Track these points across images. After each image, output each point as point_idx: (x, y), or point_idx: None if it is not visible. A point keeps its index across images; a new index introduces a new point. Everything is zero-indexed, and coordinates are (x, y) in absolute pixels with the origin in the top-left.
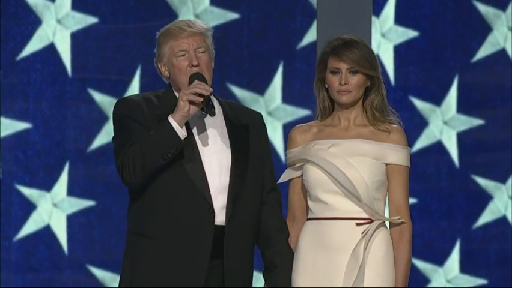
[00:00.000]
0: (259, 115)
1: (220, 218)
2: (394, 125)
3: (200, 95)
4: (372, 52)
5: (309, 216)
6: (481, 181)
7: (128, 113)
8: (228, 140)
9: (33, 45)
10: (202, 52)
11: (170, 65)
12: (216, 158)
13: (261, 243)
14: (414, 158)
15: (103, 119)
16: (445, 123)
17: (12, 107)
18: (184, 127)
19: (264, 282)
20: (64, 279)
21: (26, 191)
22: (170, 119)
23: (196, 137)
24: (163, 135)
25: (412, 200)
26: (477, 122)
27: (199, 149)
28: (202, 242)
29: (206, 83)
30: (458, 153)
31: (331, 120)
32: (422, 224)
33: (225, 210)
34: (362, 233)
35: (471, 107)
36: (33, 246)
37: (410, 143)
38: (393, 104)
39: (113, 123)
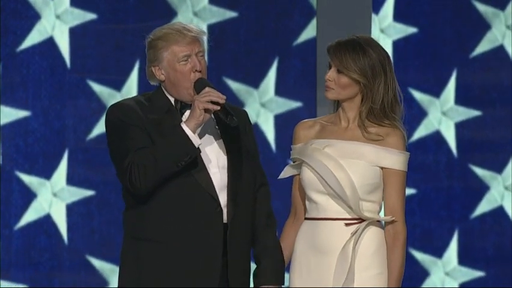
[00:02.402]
0: (245, 112)
1: (224, 217)
2: (394, 129)
3: (215, 103)
4: (373, 59)
5: (305, 216)
6: (479, 171)
7: (125, 117)
8: (222, 140)
9: (32, 39)
10: (201, 56)
11: (171, 70)
12: (214, 157)
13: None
14: (413, 148)
15: (102, 109)
16: (444, 114)
17: (12, 96)
18: (197, 134)
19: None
20: (64, 269)
21: (26, 178)
22: (185, 127)
23: None
24: (178, 143)
25: (411, 191)
26: (475, 113)
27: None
28: (214, 240)
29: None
30: (456, 143)
31: (334, 119)
32: (421, 215)
33: (226, 209)
34: (351, 233)
35: (469, 99)
36: (34, 235)
37: (409, 133)
38: None
39: (108, 129)
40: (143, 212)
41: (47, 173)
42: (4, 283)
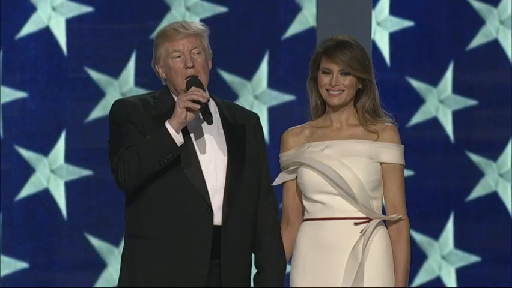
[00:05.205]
0: (256, 116)
1: (217, 218)
2: (387, 124)
3: (197, 101)
4: (366, 54)
5: (305, 217)
6: (474, 158)
7: (125, 115)
8: (225, 141)
9: (30, 28)
10: (198, 53)
11: (166, 67)
12: (212, 158)
13: (253, 245)
14: (411, 132)
15: (100, 94)
16: (441, 102)
17: (11, 78)
18: (181, 133)
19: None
20: (63, 246)
21: (25, 153)
22: (168, 125)
23: (193, 138)
24: (160, 140)
25: (409, 172)
26: (471, 102)
27: (196, 150)
28: (202, 242)
29: (203, 89)
30: (453, 129)
31: (323, 122)
32: (418, 196)
33: (221, 211)
34: (361, 232)
35: (466, 90)
36: (33, 208)
37: (407, 119)
38: (389, 85)
39: (110, 125)
40: (138, 209)
41: (44, 150)
42: (5, 258)
